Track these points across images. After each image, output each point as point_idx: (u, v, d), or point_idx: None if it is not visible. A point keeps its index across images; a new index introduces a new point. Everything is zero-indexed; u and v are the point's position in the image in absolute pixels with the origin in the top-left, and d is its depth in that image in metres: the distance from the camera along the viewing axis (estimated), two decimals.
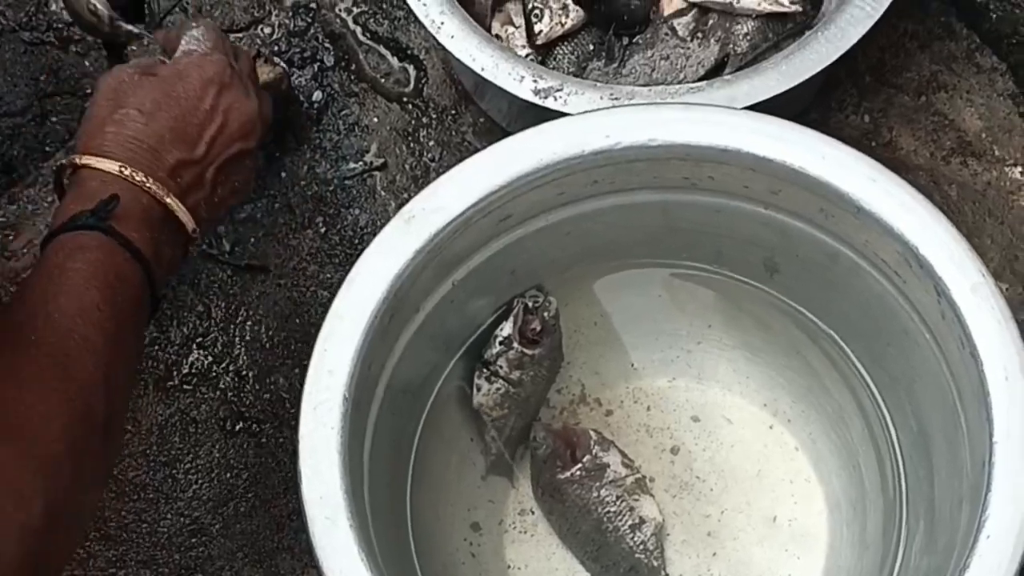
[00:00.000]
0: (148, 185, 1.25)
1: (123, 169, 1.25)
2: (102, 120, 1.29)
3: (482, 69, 1.42)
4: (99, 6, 1.43)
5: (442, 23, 1.45)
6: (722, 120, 1.25)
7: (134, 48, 1.45)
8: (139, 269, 1.23)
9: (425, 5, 1.45)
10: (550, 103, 1.40)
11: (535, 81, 1.41)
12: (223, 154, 1.34)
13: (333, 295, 1.50)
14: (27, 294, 1.18)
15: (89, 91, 1.63)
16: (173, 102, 1.31)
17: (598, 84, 1.42)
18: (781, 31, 1.57)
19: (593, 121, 1.27)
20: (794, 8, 1.54)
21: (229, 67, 1.36)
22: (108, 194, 1.23)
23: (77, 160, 1.26)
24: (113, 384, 1.16)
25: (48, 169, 1.61)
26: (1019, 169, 1.62)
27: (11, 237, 1.55)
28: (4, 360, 1.11)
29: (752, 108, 1.33)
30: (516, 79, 1.42)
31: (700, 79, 1.53)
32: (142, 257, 1.23)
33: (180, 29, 1.39)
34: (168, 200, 1.27)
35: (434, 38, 1.45)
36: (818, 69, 1.41)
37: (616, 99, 1.40)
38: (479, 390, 1.43)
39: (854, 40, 1.41)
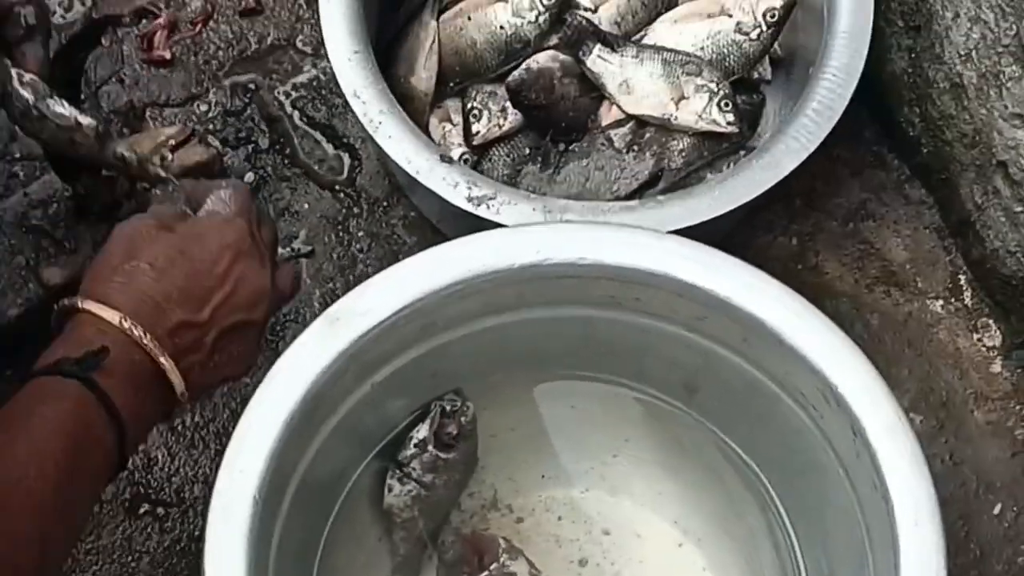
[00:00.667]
0: (145, 341, 1.20)
1: (123, 321, 1.19)
2: (112, 268, 1.24)
3: (417, 172, 1.42)
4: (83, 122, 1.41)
5: (380, 123, 1.45)
6: (652, 244, 1.26)
7: (158, 192, 1.40)
8: (112, 429, 1.17)
9: (364, 103, 1.45)
10: (482, 211, 1.40)
11: (469, 188, 1.41)
12: (226, 321, 1.28)
13: (251, 380, 1.50)
14: None
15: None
16: (186, 262, 1.26)
17: (531, 196, 1.43)
18: (716, 149, 1.58)
19: (525, 236, 1.27)
20: (730, 129, 1.55)
21: (250, 235, 1.31)
22: (100, 344, 1.18)
23: (79, 303, 1.21)
24: (50, 544, 1.10)
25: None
26: (940, 302, 1.64)
27: None
28: None
29: (682, 230, 1.33)
30: (451, 184, 1.42)
31: (633, 192, 1.54)
32: (118, 417, 1.17)
33: (209, 185, 1.35)
34: (162, 359, 1.21)
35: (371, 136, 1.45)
36: (751, 197, 1.42)
37: (549, 211, 1.40)
38: (390, 491, 1.42)
39: (787, 171, 1.43)
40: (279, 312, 1.59)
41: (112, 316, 1.19)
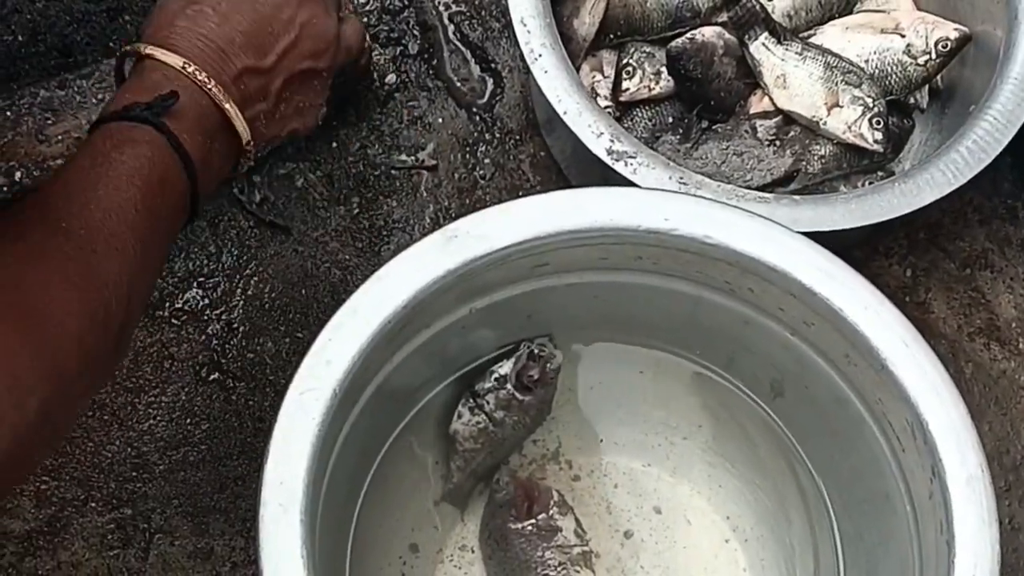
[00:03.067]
0: (209, 87, 1.20)
1: (187, 66, 1.20)
2: (174, 12, 1.24)
3: (564, 112, 1.41)
4: None
5: (540, 55, 1.44)
6: (781, 240, 1.24)
7: None
8: (185, 173, 1.18)
9: (529, 32, 1.44)
10: (619, 167, 1.39)
11: (612, 141, 1.40)
12: (292, 68, 1.28)
13: (346, 276, 1.51)
14: (66, 175, 1.13)
15: None
16: (249, 6, 1.26)
17: (670, 164, 1.41)
18: (855, 164, 1.57)
19: (657, 200, 1.26)
20: (876, 147, 1.53)
21: None
22: (167, 89, 1.18)
23: (141, 49, 1.21)
24: (134, 291, 1.10)
25: (107, 67, 1.59)
26: None
27: (50, 121, 1.53)
28: (31, 240, 1.05)
29: (809, 233, 1.32)
30: (595, 133, 1.41)
31: (766, 186, 1.52)
32: (190, 161, 1.18)
33: None
34: (227, 106, 1.22)
35: (526, 64, 1.44)
36: (884, 218, 1.41)
37: (684, 183, 1.39)
38: (459, 417, 1.42)
39: (928, 201, 1.42)
40: (390, 217, 1.60)
41: (175, 61, 1.19)
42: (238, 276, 1.57)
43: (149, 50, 1.21)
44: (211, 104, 1.21)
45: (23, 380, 0.97)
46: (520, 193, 1.63)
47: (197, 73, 1.20)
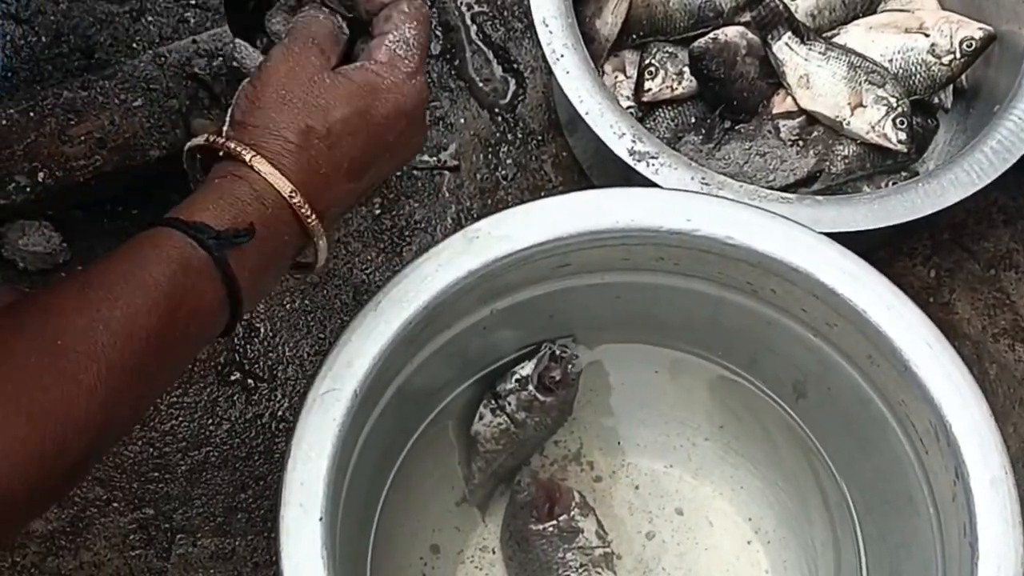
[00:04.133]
0: (310, 221, 1.08)
1: (293, 195, 1.06)
2: (282, 124, 1.09)
3: (586, 113, 1.41)
4: None
5: (562, 55, 1.44)
6: (803, 241, 1.24)
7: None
8: (227, 308, 1.05)
9: (551, 32, 1.44)
10: (641, 167, 1.39)
11: (633, 141, 1.40)
12: (376, 182, 1.17)
13: (368, 277, 1.51)
14: (98, 271, 1.01)
15: None
16: (362, 128, 1.11)
17: (692, 164, 1.41)
18: (879, 164, 1.56)
19: (679, 201, 1.25)
20: (900, 147, 1.53)
21: (425, 100, 1.16)
22: (248, 222, 1.05)
23: (246, 156, 1.06)
24: (112, 424, 0.99)
25: (130, 68, 1.59)
26: None
27: (73, 122, 1.53)
28: (21, 342, 0.95)
29: (832, 234, 1.31)
30: (616, 133, 1.41)
31: (789, 186, 1.52)
32: (238, 298, 1.05)
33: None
34: (320, 243, 1.10)
35: (548, 65, 1.44)
36: (908, 219, 1.40)
37: (706, 184, 1.39)
38: (481, 418, 1.42)
39: (952, 201, 1.41)
40: (412, 217, 1.60)
41: (284, 186, 1.06)
42: None
43: (257, 163, 1.06)
44: (298, 233, 1.09)
45: None
46: (542, 194, 1.63)
47: (302, 206, 1.07)
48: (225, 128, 1.12)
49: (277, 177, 1.06)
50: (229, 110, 1.12)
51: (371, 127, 1.12)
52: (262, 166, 1.06)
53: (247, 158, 1.06)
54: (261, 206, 1.06)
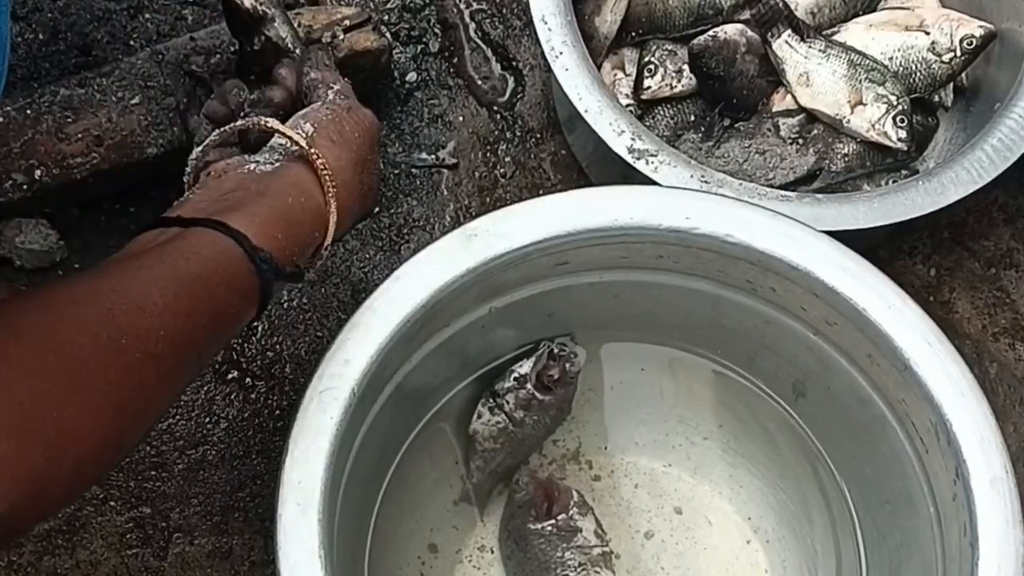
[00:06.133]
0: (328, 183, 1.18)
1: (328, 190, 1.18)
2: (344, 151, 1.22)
3: (585, 111, 1.41)
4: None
5: (561, 53, 1.43)
6: (803, 239, 1.23)
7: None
8: (256, 305, 1.12)
9: (550, 30, 1.44)
10: (640, 165, 1.39)
11: (633, 139, 1.40)
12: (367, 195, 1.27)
13: (366, 275, 1.51)
14: (128, 281, 1.02)
15: None
16: (373, 159, 1.27)
17: (692, 162, 1.40)
18: (879, 163, 1.56)
19: (678, 199, 1.25)
20: (900, 145, 1.52)
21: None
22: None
23: (313, 154, 1.18)
24: (123, 434, 0.99)
25: (127, 65, 1.58)
26: None
27: (70, 119, 1.52)
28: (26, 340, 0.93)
29: (832, 232, 1.31)
30: (616, 131, 1.40)
31: (788, 184, 1.51)
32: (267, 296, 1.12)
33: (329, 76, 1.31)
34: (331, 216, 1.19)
35: (547, 62, 1.44)
36: (908, 217, 1.40)
37: (706, 181, 1.38)
38: (479, 417, 1.41)
39: (951, 200, 1.41)
40: (410, 215, 1.59)
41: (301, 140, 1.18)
42: None
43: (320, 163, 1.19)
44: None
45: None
46: (541, 191, 1.63)
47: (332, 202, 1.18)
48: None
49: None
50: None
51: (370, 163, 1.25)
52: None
53: (313, 156, 1.17)
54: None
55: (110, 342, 0.96)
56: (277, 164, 1.18)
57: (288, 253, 1.13)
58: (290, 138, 1.18)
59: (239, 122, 1.22)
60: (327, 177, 1.17)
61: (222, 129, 1.22)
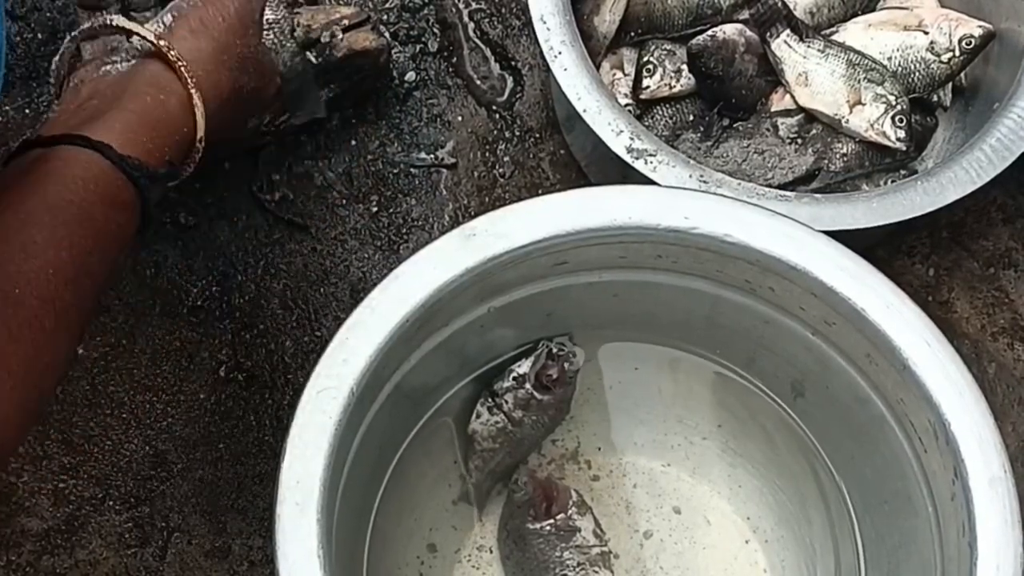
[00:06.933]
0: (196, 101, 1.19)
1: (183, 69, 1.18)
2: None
3: (584, 111, 1.41)
4: None
5: (560, 52, 1.43)
6: (802, 239, 1.23)
7: None
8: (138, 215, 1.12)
9: (548, 29, 1.44)
10: (639, 165, 1.39)
11: (631, 139, 1.40)
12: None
13: (364, 274, 1.51)
14: (29, 211, 1.04)
15: None
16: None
17: (691, 162, 1.40)
18: (878, 162, 1.56)
19: (677, 199, 1.25)
20: (899, 145, 1.52)
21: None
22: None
23: (165, 48, 1.17)
24: (66, 364, 1.03)
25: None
26: None
27: None
28: None
29: (831, 232, 1.31)
30: (614, 131, 1.40)
31: (787, 184, 1.51)
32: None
33: None
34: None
35: (546, 62, 1.44)
36: (906, 217, 1.40)
37: (704, 181, 1.38)
38: (478, 417, 1.41)
39: (949, 200, 1.41)
40: (409, 215, 1.59)
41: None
42: (257, 274, 1.56)
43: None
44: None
45: None
46: (540, 191, 1.63)
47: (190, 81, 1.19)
48: None
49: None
50: None
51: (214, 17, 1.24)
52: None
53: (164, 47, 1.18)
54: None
55: (3, 296, 0.96)
56: (132, 63, 1.18)
57: (158, 155, 1.13)
58: (138, 34, 1.18)
59: (85, 25, 1.22)
60: (183, 69, 1.17)
61: (72, 34, 1.22)
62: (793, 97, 1.56)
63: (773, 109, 1.57)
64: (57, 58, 1.22)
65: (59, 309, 1.00)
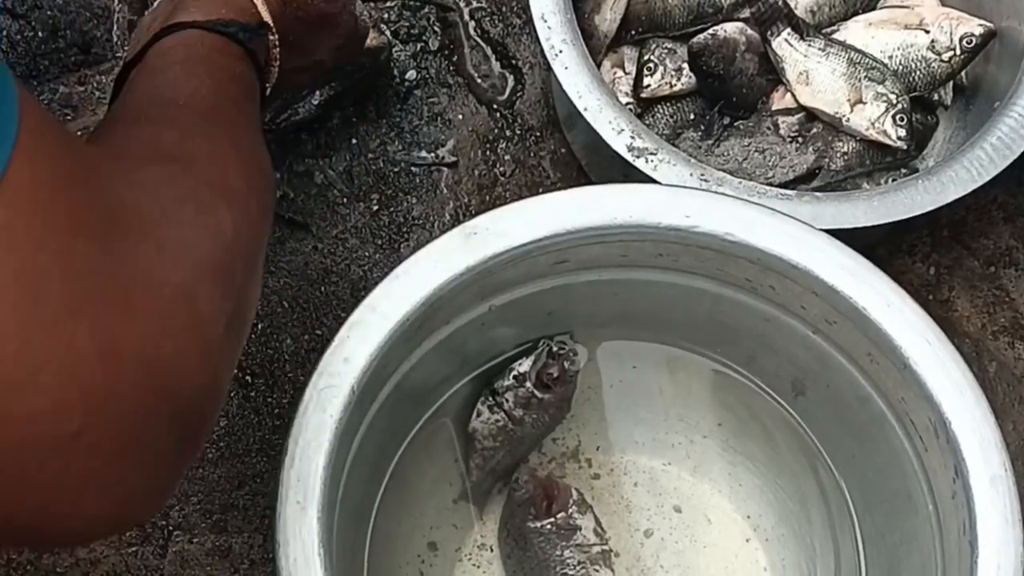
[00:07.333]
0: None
1: None
2: None
3: (585, 109, 1.41)
4: None
5: (561, 51, 1.43)
6: (803, 238, 1.23)
7: None
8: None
9: (549, 28, 1.44)
10: (640, 163, 1.39)
11: (632, 138, 1.40)
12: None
13: (365, 273, 1.51)
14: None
15: None
16: None
17: (692, 160, 1.40)
18: (879, 161, 1.56)
19: (678, 197, 1.25)
20: (899, 144, 1.52)
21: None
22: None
23: None
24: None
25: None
26: None
27: (70, 117, 1.53)
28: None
29: (831, 231, 1.31)
30: (615, 129, 1.40)
31: (788, 183, 1.51)
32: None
33: None
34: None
35: (547, 61, 1.44)
36: (907, 215, 1.40)
37: (705, 180, 1.38)
38: (478, 415, 1.41)
39: (951, 198, 1.41)
40: (410, 214, 1.59)
41: None
42: None
43: None
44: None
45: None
46: (540, 190, 1.63)
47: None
48: None
49: None
50: None
51: None
52: None
53: None
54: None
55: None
56: None
57: (237, 19, 1.14)
58: None
59: None
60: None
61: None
62: (794, 96, 1.56)
63: (774, 108, 1.57)
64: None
65: (235, 134, 1.03)
